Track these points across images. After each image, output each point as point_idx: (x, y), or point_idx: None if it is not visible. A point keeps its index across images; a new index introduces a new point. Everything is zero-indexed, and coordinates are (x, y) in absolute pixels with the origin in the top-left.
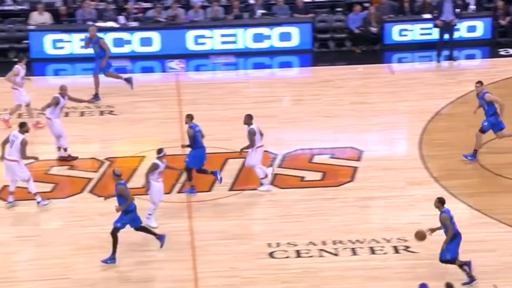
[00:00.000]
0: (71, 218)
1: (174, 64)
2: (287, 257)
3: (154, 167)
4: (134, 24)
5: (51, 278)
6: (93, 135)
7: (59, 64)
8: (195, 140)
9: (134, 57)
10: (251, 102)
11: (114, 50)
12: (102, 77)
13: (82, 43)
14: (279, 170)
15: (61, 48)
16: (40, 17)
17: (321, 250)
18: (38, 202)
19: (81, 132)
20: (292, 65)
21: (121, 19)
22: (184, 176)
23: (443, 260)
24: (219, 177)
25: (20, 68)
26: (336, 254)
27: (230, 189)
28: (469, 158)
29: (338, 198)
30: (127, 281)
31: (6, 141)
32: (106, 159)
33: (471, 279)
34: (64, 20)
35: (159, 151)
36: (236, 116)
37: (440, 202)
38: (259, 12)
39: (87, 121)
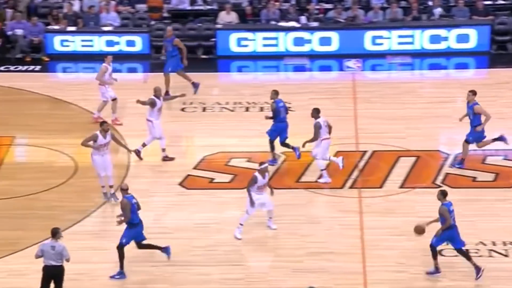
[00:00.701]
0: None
1: (351, 63)
2: (455, 256)
3: (253, 180)
4: (314, 24)
5: (225, 264)
6: None
7: (243, 61)
8: (277, 114)
9: (313, 56)
10: (425, 102)
11: (294, 48)
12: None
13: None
14: (451, 170)
15: (245, 46)
16: (227, 17)
17: (490, 250)
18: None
19: (259, 126)
20: (468, 66)
21: (303, 19)
22: (356, 172)
23: (435, 244)
24: (298, 153)
25: (107, 66)
26: (506, 255)
27: (401, 186)
28: (457, 166)
29: (510, 200)
30: (297, 271)
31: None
32: (282, 153)
33: (437, 270)
34: (249, 20)
35: (261, 164)
36: (410, 115)
37: (443, 194)
38: (438, 13)
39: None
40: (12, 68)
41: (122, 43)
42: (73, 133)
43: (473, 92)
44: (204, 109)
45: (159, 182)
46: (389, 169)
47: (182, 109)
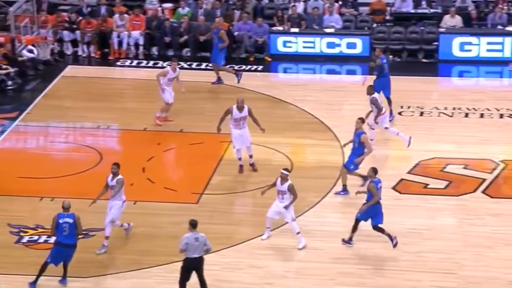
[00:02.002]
0: (462, 215)
1: None
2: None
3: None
4: None
5: (438, 271)
6: (491, 137)
7: (465, 66)
8: (381, 69)
9: None
10: None
11: None
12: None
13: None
14: None
15: (468, 50)
16: (451, 20)
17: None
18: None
19: (479, 133)
20: None
21: None
22: None
23: (359, 218)
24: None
25: (169, 70)
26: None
27: None
28: (342, 193)
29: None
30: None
31: None
32: (501, 161)
33: (350, 240)
34: (474, 24)
35: (284, 169)
36: None
37: (374, 171)
38: None
39: (486, 123)
40: (236, 67)
41: (343, 45)
42: (290, 132)
43: (362, 120)
44: (421, 114)
45: None
46: None
47: (400, 113)
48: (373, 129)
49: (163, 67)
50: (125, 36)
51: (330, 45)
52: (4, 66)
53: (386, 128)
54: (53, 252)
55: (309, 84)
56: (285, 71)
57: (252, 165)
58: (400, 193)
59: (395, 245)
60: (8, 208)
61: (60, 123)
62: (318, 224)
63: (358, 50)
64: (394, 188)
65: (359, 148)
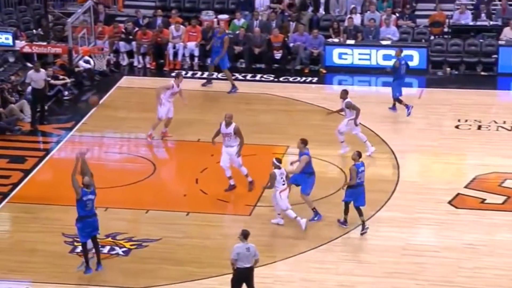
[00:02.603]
0: None
1: None
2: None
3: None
4: None
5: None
6: None
7: None
8: (397, 71)
9: None
10: None
11: None
12: None
13: None
14: None
15: None
16: (511, 33)
17: None
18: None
19: None
20: None
21: None
22: None
23: (344, 200)
24: (409, 111)
25: (173, 84)
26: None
27: None
28: (316, 219)
29: None
30: None
31: None
32: None
33: (345, 222)
34: None
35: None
36: None
37: (358, 155)
38: None
39: None
40: (290, 79)
41: None
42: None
43: (302, 141)
44: (479, 127)
45: (428, 199)
46: None
47: (456, 126)
48: (355, 133)
49: (216, 79)
50: (180, 47)
51: (386, 57)
52: (61, 77)
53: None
54: (80, 229)
55: (364, 96)
56: (340, 83)
57: (250, 183)
58: (457, 207)
59: (362, 234)
60: (63, 218)
61: (115, 134)
62: (371, 238)
63: (415, 62)
64: (450, 202)
65: (308, 168)
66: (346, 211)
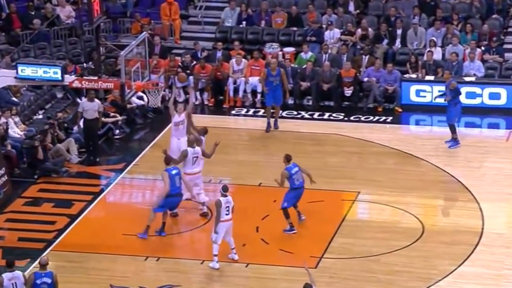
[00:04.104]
0: None
1: None
2: None
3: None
4: None
5: None
6: None
7: None
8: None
9: None
10: None
11: None
12: None
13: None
14: None
15: None
16: None
17: None
18: None
19: None
20: None
21: None
22: None
23: (282, 208)
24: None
25: (174, 113)
26: None
27: None
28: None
29: None
30: None
31: None
32: None
33: (291, 228)
34: None
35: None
36: None
37: (287, 159)
38: None
39: None
40: (362, 118)
41: (484, 95)
42: (422, 191)
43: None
44: None
45: None
46: None
47: None
48: None
49: (281, 117)
50: (241, 83)
51: (470, 95)
52: (112, 114)
53: None
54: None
55: (444, 138)
56: (417, 123)
57: (202, 214)
58: None
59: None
60: (111, 268)
61: None
62: None
63: (502, 101)
64: None
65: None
66: (287, 216)
